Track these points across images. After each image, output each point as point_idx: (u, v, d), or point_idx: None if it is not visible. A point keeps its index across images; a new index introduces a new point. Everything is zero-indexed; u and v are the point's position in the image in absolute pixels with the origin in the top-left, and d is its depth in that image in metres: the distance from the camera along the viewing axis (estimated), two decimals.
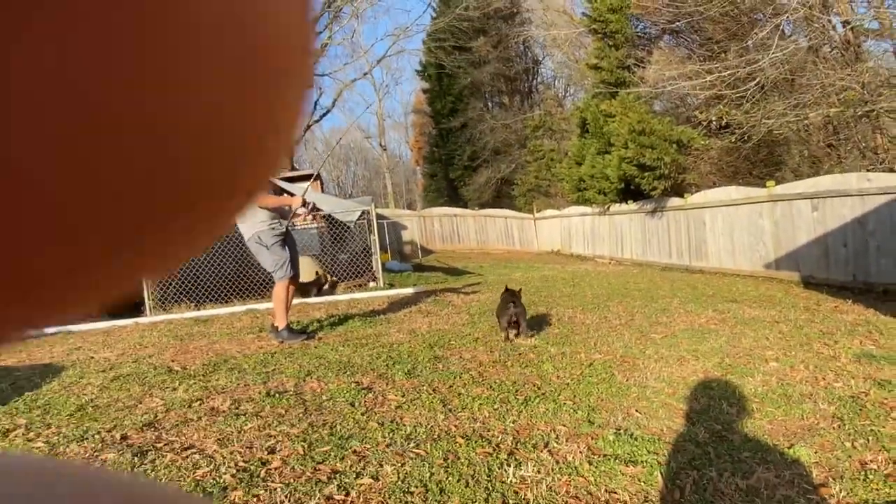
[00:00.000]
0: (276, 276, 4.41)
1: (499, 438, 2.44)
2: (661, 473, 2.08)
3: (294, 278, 4.53)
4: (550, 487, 2.00)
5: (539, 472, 2.12)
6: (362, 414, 2.77)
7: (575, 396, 2.97)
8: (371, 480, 2.08)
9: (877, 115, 8.54)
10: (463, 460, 2.23)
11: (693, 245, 10.73)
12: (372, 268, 9.15)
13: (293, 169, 21.90)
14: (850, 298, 6.04)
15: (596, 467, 2.15)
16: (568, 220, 17.78)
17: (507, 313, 4.63)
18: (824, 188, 7.32)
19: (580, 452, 2.27)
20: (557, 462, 2.20)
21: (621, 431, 2.47)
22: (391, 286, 8.55)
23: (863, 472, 2.05)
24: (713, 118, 10.37)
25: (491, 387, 3.16)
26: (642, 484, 2.02)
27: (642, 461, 2.19)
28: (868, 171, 8.33)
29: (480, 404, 2.87)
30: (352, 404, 2.92)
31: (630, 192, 12.96)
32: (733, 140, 9.93)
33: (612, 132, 12.67)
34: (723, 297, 6.31)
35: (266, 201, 4.38)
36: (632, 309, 5.60)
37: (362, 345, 4.29)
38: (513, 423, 2.62)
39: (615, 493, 1.96)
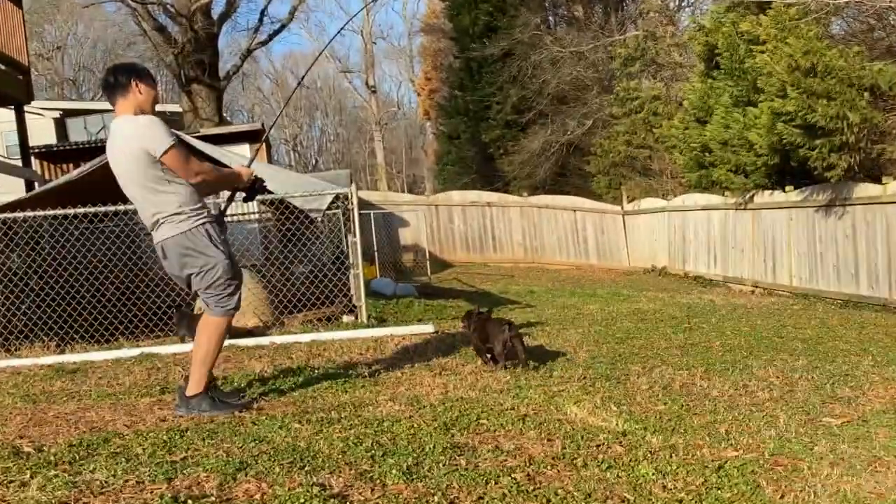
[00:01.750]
0: (222, 306, 4.47)
1: None
2: None
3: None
4: None
5: None
6: None
7: None
8: None
9: None
10: None
11: None
12: (348, 290, 9.17)
13: (221, 121, 22.20)
14: None
15: None
16: (681, 216, 17.71)
17: (503, 335, 5.05)
18: None
19: None
20: None
21: None
22: (380, 321, 8.55)
23: None
24: None
25: (549, 501, 3.12)
26: None
27: None
28: None
29: None
30: None
31: (789, 171, 12.82)
32: None
33: (759, 69, 12.57)
34: None
35: (200, 173, 4.40)
36: (790, 372, 5.52)
37: (331, 421, 4.28)
38: None
39: None
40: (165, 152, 4.23)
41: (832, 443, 3.88)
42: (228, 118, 26.45)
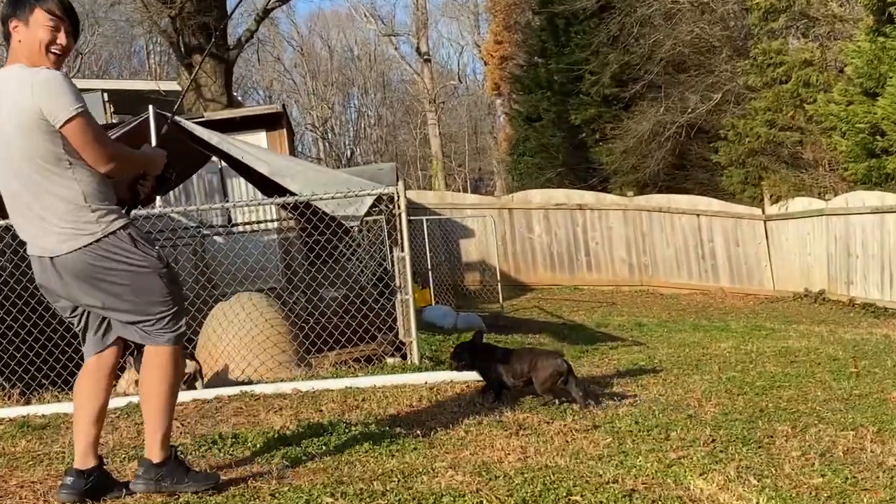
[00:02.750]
0: (170, 329, 4.22)
1: None
2: None
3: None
4: None
5: None
6: None
7: None
8: None
9: None
10: None
11: None
12: (393, 322, 9.20)
13: (231, 102, 22.57)
14: None
15: None
16: (843, 221, 17.43)
17: (555, 365, 5.45)
18: None
19: None
20: None
21: None
22: (435, 363, 8.55)
23: None
24: None
25: None
26: None
27: None
28: None
29: None
30: None
31: None
32: None
33: None
34: None
35: (115, 157, 4.05)
36: None
37: (373, 495, 4.30)
38: None
39: None
40: (69, 121, 3.86)
41: None
42: (239, 98, 26.92)
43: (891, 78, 14.37)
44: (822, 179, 20.03)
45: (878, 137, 14.89)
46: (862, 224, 16.67)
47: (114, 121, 15.84)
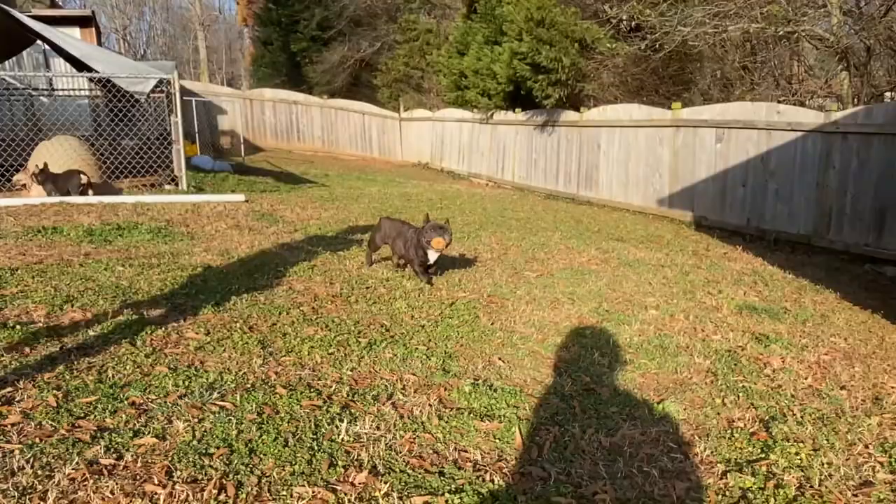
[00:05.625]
0: None
1: (331, 389, 2.49)
2: (520, 429, 2.30)
3: None
4: (390, 446, 2.11)
5: (378, 428, 2.22)
6: (147, 356, 2.65)
7: (430, 341, 3.12)
8: (154, 440, 2.02)
9: (797, 38, 9.67)
10: (283, 415, 2.25)
11: (584, 171, 11.53)
12: (171, 163, 8.49)
13: (53, 5, 18.97)
14: (740, 244, 7.02)
15: (446, 422, 2.30)
16: (441, 125, 17.99)
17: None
18: (732, 117, 8.24)
19: (429, 405, 2.42)
20: (402, 416, 2.32)
21: (480, 382, 2.67)
22: (198, 190, 8.06)
23: (729, 431, 2.46)
24: (624, 17, 10.91)
25: (327, 326, 3.19)
26: (497, 441, 2.22)
27: (500, 416, 2.40)
28: (779, 102, 9.49)
29: (311, 347, 2.89)
30: (132, 343, 2.76)
31: (520, 97, 13.36)
32: (643, 48, 10.61)
33: (505, 17, 12.79)
34: (609, 235, 6.95)
35: None
36: (506, 241, 5.94)
37: (152, 266, 4.03)
38: (351, 370, 2.69)
39: (465, 451, 2.13)
40: None
41: (529, 289, 4.26)
42: (60, 3, 22.59)
43: (472, 46, 14.76)
44: (433, 100, 20.45)
45: (463, 79, 15.37)
46: (450, 128, 17.36)
47: None
